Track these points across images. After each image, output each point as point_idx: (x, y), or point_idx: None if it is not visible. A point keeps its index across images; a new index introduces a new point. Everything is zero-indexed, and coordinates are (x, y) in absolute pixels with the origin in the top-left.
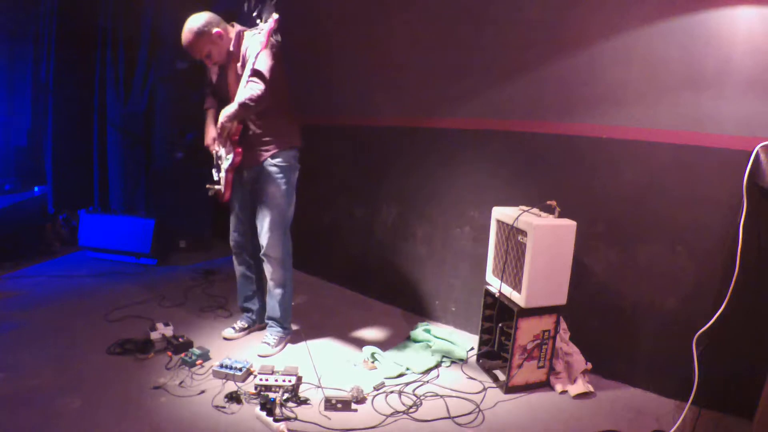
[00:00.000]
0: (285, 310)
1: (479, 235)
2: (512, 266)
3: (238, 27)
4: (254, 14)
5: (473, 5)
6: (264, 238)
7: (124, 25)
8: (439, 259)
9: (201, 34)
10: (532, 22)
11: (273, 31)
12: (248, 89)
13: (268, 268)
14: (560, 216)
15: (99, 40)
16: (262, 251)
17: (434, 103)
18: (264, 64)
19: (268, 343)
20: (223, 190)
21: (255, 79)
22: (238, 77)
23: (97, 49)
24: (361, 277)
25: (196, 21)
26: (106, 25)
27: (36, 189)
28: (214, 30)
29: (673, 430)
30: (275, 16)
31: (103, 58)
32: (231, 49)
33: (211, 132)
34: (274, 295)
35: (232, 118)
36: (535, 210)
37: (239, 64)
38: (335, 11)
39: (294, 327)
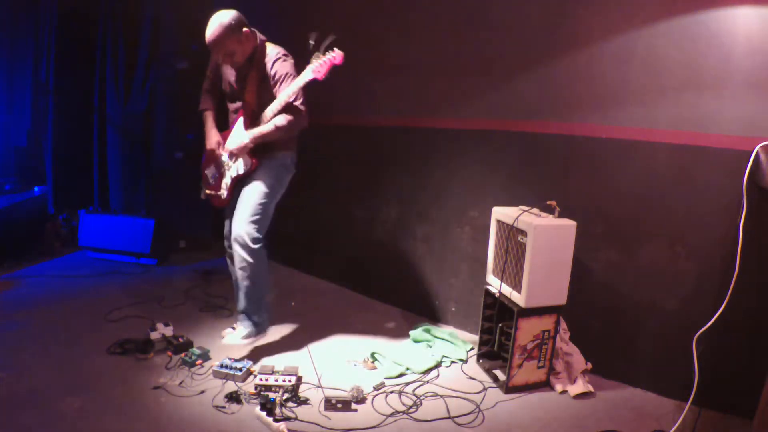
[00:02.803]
0: (253, 302)
1: (479, 235)
2: (512, 266)
3: (259, 35)
4: (312, 42)
5: (473, 5)
6: (237, 222)
7: (124, 24)
8: (439, 259)
9: (231, 29)
10: (532, 22)
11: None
12: (287, 118)
13: (237, 257)
14: (560, 216)
15: (99, 40)
16: (233, 236)
17: (434, 103)
18: (300, 98)
19: (236, 333)
20: (224, 195)
21: (298, 105)
22: (259, 88)
23: (97, 49)
24: (361, 277)
25: (225, 16)
26: (107, 25)
27: (36, 189)
28: (243, 29)
29: (673, 430)
30: (337, 53)
31: (103, 58)
32: (253, 55)
33: (214, 136)
34: (241, 286)
35: (262, 138)
36: (535, 210)
37: (260, 75)
38: (335, 11)
39: (294, 326)
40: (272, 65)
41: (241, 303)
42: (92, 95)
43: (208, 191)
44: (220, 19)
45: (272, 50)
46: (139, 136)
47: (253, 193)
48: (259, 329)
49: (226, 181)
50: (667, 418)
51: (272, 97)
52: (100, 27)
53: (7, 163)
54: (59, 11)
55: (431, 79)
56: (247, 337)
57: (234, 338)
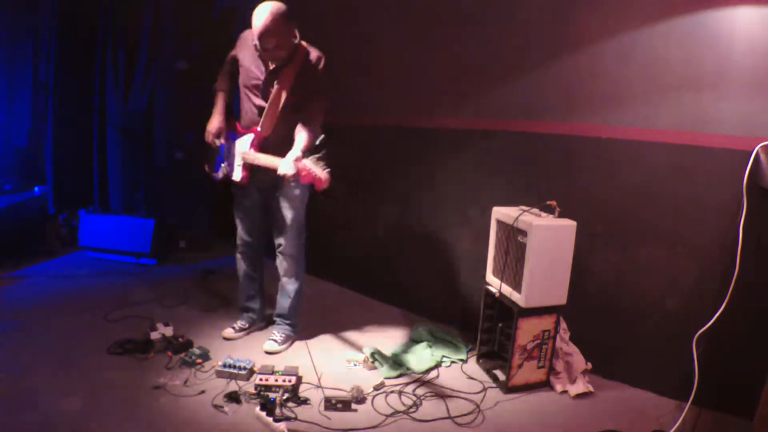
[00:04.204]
0: (294, 308)
1: (479, 235)
2: (512, 266)
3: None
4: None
5: (473, 5)
6: (281, 237)
7: (125, 24)
8: (439, 259)
9: (284, 16)
10: (532, 21)
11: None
12: (312, 137)
13: (282, 265)
14: (560, 216)
15: (99, 40)
16: (279, 249)
17: (434, 103)
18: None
19: (276, 340)
20: (219, 176)
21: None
22: (293, 85)
23: (97, 49)
24: (361, 277)
25: (279, 6)
26: (107, 25)
27: (36, 189)
28: (291, 20)
29: (673, 430)
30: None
31: (104, 58)
32: (295, 51)
33: (217, 122)
34: (286, 291)
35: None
36: (535, 210)
37: (296, 73)
38: (334, 11)
39: None
40: (309, 68)
41: (284, 308)
42: (92, 95)
43: (208, 165)
44: (272, 7)
45: (314, 51)
46: (140, 136)
47: (291, 210)
48: (295, 331)
49: (225, 172)
50: (667, 418)
51: (302, 95)
52: (100, 27)
53: (7, 163)
54: (59, 11)
55: (431, 78)
56: (286, 340)
57: (274, 346)
